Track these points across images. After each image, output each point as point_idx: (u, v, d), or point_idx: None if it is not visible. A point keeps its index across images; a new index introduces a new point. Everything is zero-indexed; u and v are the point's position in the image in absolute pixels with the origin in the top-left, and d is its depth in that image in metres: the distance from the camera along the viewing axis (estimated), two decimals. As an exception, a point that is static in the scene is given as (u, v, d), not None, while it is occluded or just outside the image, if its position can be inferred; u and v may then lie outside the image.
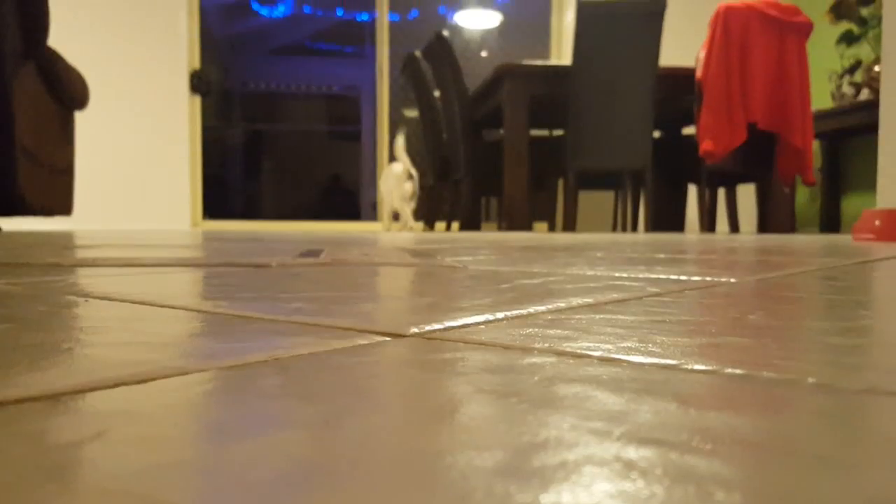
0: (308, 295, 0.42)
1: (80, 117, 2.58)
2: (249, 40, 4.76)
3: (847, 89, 3.21)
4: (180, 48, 3.94)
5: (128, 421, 0.16)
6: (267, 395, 0.18)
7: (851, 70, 3.23)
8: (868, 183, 3.26)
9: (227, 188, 4.74)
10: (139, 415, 0.16)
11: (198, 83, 4.01)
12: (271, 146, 4.89)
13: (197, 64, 4.04)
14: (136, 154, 3.86)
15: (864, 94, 3.09)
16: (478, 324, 0.30)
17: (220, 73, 4.43)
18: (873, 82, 2.99)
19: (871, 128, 2.45)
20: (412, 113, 4.31)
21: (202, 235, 1.94)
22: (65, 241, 1.33)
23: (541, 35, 4.70)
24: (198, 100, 4.05)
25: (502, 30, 4.74)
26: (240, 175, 4.85)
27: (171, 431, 0.15)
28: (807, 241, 1.69)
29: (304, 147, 4.89)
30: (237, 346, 0.25)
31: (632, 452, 0.13)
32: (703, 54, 2.71)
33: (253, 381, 0.20)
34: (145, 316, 0.33)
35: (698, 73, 2.72)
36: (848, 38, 3.26)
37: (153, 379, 0.20)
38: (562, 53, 4.54)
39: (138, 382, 0.19)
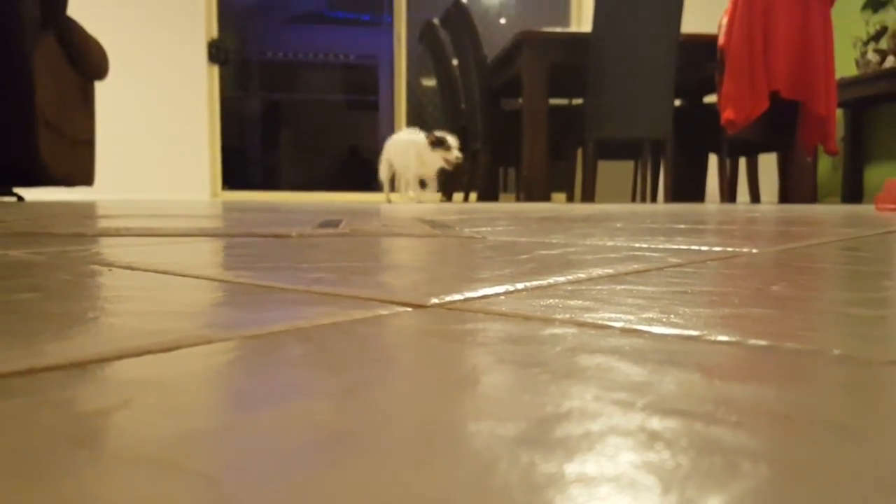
0: (328, 265, 0.42)
1: (99, 88, 2.59)
2: (267, 8, 4.73)
3: (872, 56, 3.14)
4: (198, 17, 3.93)
5: (154, 389, 0.16)
6: (290, 364, 0.18)
7: (877, 37, 3.16)
8: (892, 152, 3.20)
9: (246, 158, 4.74)
10: (165, 383, 0.16)
11: (216, 53, 4.00)
12: (289, 116, 4.88)
13: (215, 33, 4.03)
14: (155, 124, 3.87)
15: (890, 62, 3.03)
16: (498, 294, 0.30)
17: (237, 42, 4.41)
18: (900, 49, 2.92)
19: (897, 96, 2.40)
20: (430, 82, 4.28)
21: (222, 206, 1.95)
22: (87, 211, 1.35)
23: (560, 2, 4.63)
24: (216, 69, 4.04)
25: (521, -4, 4.67)
26: (258, 145, 4.85)
27: (196, 399, 0.15)
28: (829, 211, 1.67)
29: (321, 117, 4.88)
30: (260, 315, 0.25)
31: (656, 423, 0.13)
32: (725, 20, 2.66)
33: (276, 350, 0.20)
34: (169, 285, 0.33)
35: (720, 40, 2.67)
36: (874, 4, 3.18)
37: (178, 348, 0.20)
38: (582, 20, 4.47)
39: (163, 351, 0.20)
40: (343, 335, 0.22)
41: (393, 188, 3.34)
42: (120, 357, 0.19)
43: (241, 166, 4.59)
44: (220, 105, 4.08)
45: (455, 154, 2.97)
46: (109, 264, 0.42)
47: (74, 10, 2.42)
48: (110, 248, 0.53)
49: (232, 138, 4.30)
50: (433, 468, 0.11)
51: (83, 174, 2.47)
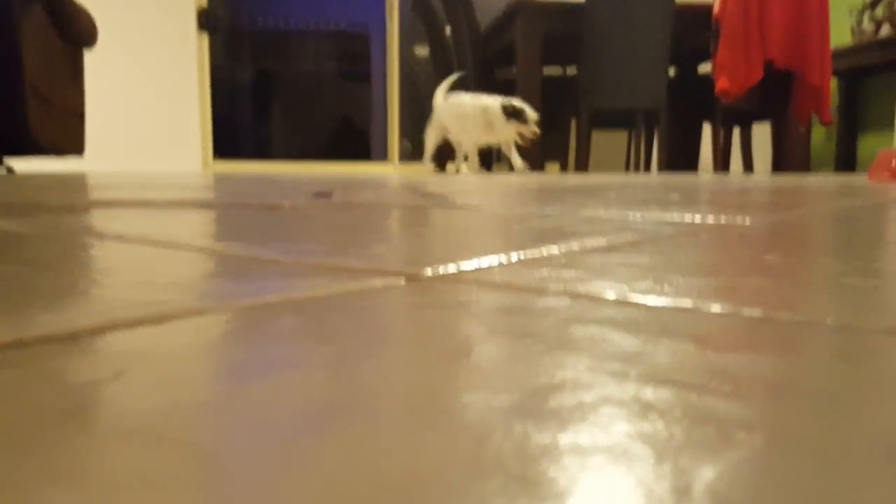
0: (322, 236, 0.42)
1: (88, 57, 2.55)
2: (256, -24, 4.66)
3: (867, 25, 3.12)
4: (187, -15, 3.87)
5: (146, 361, 0.16)
6: (283, 336, 0.18)
7: (873, 5, 3.13)
8: (885, 123, 3.20)
9: (237, 128, 4.71)
10: (157, 355, 0.16)
11: (205, 21, 3.95)
12: (281, 85, 4.84)
13: (204, 1, 3.97)
14: (144, 94, 3.83)
15: (885, 31, 3.01)
16: (492, 265, 0.30)
17: (227, 10, 4.36)
18: (895, 18, 2.90)
19: (891, 66, 2.39)
20: (423, 51, 4.24)
21: (213, 176, 1.94)
22: (78, 183, 1.34)
23: (555, -31, 4.57)
24: (205, 38, 3.99)
25: (515, -36, 4.61)
26: (249, 115, 4.81)
27: (189, 371, 0.15)
28: (822, 181, 1.67)
29: (313, 86, 4.84)
30: (252, 287, 0.25)
31: (649, 393, 0.13)
32: (721, -11, 2.63)
33: (269, 322, 0.20)
34: (161, 257, 0.33)
35: (716, 9, 2.65)
36: (871, -28, 3.15)
37: (170, 319, 0.20)
38: (576, -12, 4.42)
39: (155, 323, 0.19)
40: (337, 307, 0.22)
41: (442, 159, 2.89)
42: (112, 329, 0.19)
43: (232, 136, 4.56)
44: (211, 74, 4.03)
45: (532, 129, 2.52)
46: (101, 236, 0.42)
47: (61, -22, 2.38)
48: (102, 220, 0.53)
49: (223, 108, 4.27)
50: (427, 439, 0.11)
51: (73, 143, 2.45)
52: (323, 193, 0.91)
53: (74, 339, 0.18)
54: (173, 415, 0.12)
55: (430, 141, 2.80)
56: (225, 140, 4.23)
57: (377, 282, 0.26)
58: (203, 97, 3.99)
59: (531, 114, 2.52)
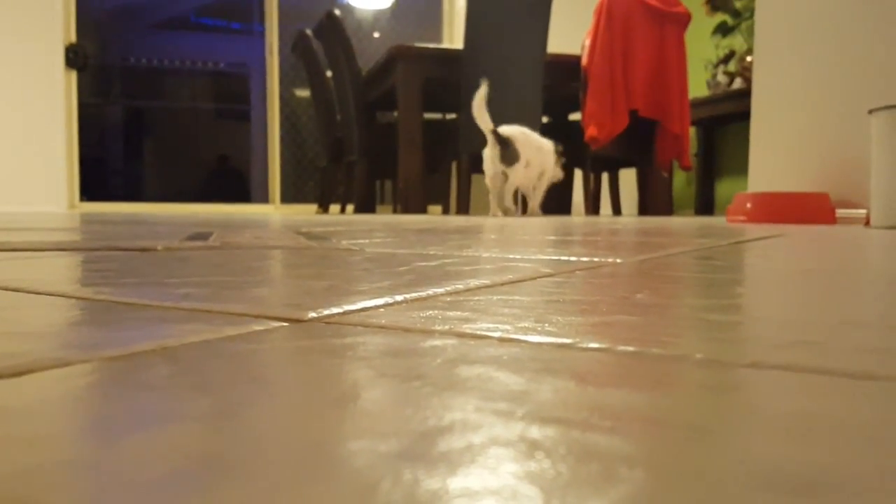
0: (198, 280, 0.40)
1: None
2: (129, 14, 4.52)
3: (721, 78, 3.38)
4: (55, 20, 3.69)
5: (4, 418, 0.14)
6: (156, 386, 0.17)
7: (726, 60, 3.40)
8: (740, 168, 3.45)
9: (107, 168, 4.51)
10: (16, 411, 0.15)
11: (74, 58, 3.78)
12: (154, 124, 4.68)
13: (73, 37, 3.80)
14: (6, 131, 3.60)
15: (737, 83, 3.27)
16: (377, 307, 0.30)
17: (98, 47, 4.19)
18: (746, 72, 3.16)
19: (744, 115, 2.59)
20: (304, 92, 4.22)
21: (80, 218, 1.83)
22: (-77, 225, 1.23)
23: (433, 17, 4.70)
24: (74, 75, 3.81)
25: (395, 11, 4.70)
26: (120, 154, 4.62)
27: (51, 428, 0.14)
28: (684, 223, 1.78)
29: (189, 126, 4.71)
30: (122, 334, 0.24)
31: (535, 432, 0.13)
32: (588, 42, 2.78)
33: (140, 371, 0.19)
34: (20, 304, 0.31)
35: (583, 61, 2.80)
36: (723, 29, 3.42)
37: (31, 371, 0.18)
38: (454, 37, 4.56)
39: (14, 375, 0.18)
40: (214, 354, 0.21)
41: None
42: (-38, 384, 0.17)
43: (101, 177, 4.36)
44: (79, 112, 3.85)
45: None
46: (-50, 282, 0.39)
47: None
48: (-49, 265, 0.49)
49: (92, 147, 4.07)
50: (313, 492, 0.11)
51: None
52: (199, 235, 0.88)
53: (-83, 397, 0.16)
54: (35, 477, 0.11)
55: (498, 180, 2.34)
56: (94, 180, 4.03)
57: (258, 326, 0.26)
58: (70, 135, 3.80)
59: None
